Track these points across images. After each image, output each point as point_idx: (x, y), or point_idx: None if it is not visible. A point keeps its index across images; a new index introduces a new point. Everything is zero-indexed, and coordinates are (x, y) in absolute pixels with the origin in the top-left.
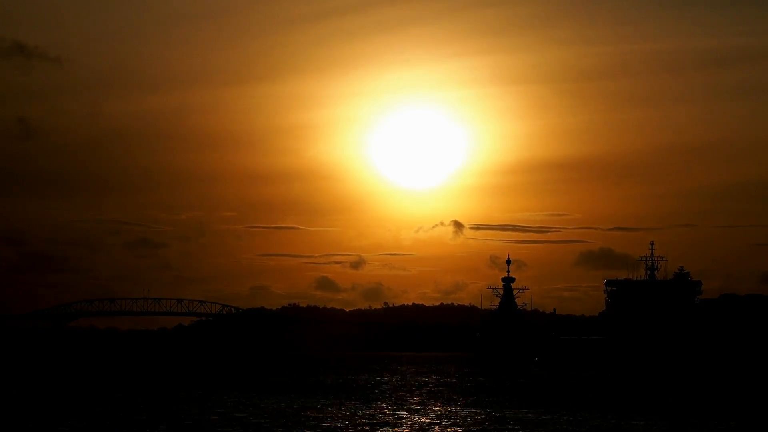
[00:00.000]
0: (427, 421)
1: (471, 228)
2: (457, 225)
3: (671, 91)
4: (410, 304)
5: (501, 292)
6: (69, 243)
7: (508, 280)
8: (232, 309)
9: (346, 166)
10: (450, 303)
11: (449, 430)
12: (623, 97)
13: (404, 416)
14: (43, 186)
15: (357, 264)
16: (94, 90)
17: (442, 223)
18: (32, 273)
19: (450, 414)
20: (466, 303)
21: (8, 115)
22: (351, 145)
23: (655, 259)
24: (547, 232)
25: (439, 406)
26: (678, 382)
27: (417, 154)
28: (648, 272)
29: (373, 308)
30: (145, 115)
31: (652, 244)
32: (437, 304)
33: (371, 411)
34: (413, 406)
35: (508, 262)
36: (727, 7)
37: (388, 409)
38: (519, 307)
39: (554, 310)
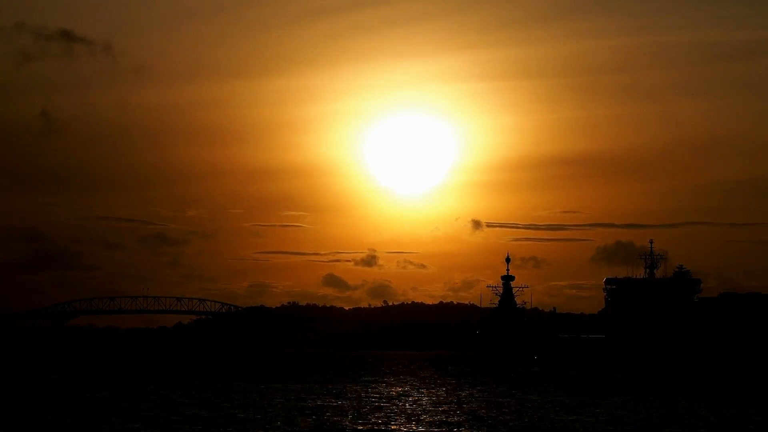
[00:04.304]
0: None
1: (486, 226)
2: (475, 223)
3: (684, 85)
4: (409, 302)
5: (500, 290)
6: (77, 240)
7: (507, 279)
8: (232, 307)
9: (353, 162)
10: (450, 302)
11: None
12: (635, 91)
13: None
14: (54, 183)
15: (366, 261)
16: (101, 86)
17: (457, 220)
18: (45, 270)
19: None
20: (466, 302)
21: (31, 109)
22: (359, 142)
23: (655, 257)
24: (561, 229)
25: None
26: (674, 381)
27: (426, 150)
28: (647, 270)
29: (373, 306)
30: (150, 111)
31: (651, 242)
32: (437, 302)
33: None
34: None
35: (508, 260)
36: None
37: None
38: (519, 305)
39: (554, 308)
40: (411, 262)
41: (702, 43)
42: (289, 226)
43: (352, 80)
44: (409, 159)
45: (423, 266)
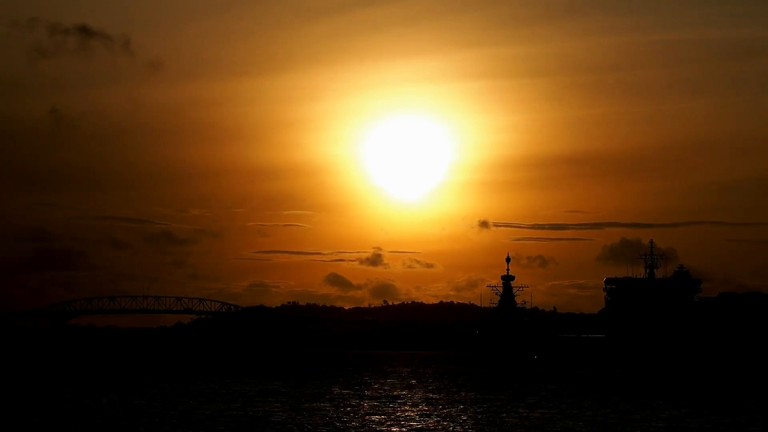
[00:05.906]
0: None
1: (490, 225)
2: (483, 223)
3: (688, 83)
4: (409, 302)
5: (500, 290)
6: (82, 239)
7: (507, 278)
8: (232, 307)
9: (357, 161)
10: (450, 301)
11: None
12: (638, 90)
13: None
14: (60, 181)
15: (371, 260)
16: (110, 84)
17: (463, 219)
18: (49, 270)
19: None
20: (467, 301)
21: (41, 106)
22: (363, 140)
23: (655, 256)
24: (565, 229)
25: None
26: (672, 381)
27: (430, 149)
28: (647, 270)
29: (372, 306)
30: (156, 109)
31: (651, 242)
32: (437, 302)
33: None
34: None
35: (508, 260)
36: None
37: None
38: (519, 305)
39: (554, 308)
40: (417, 261)
41: (705, 42)
42: (292, 225)
43: (357, 78)
44: (414, 158)
45: (430, 265)
